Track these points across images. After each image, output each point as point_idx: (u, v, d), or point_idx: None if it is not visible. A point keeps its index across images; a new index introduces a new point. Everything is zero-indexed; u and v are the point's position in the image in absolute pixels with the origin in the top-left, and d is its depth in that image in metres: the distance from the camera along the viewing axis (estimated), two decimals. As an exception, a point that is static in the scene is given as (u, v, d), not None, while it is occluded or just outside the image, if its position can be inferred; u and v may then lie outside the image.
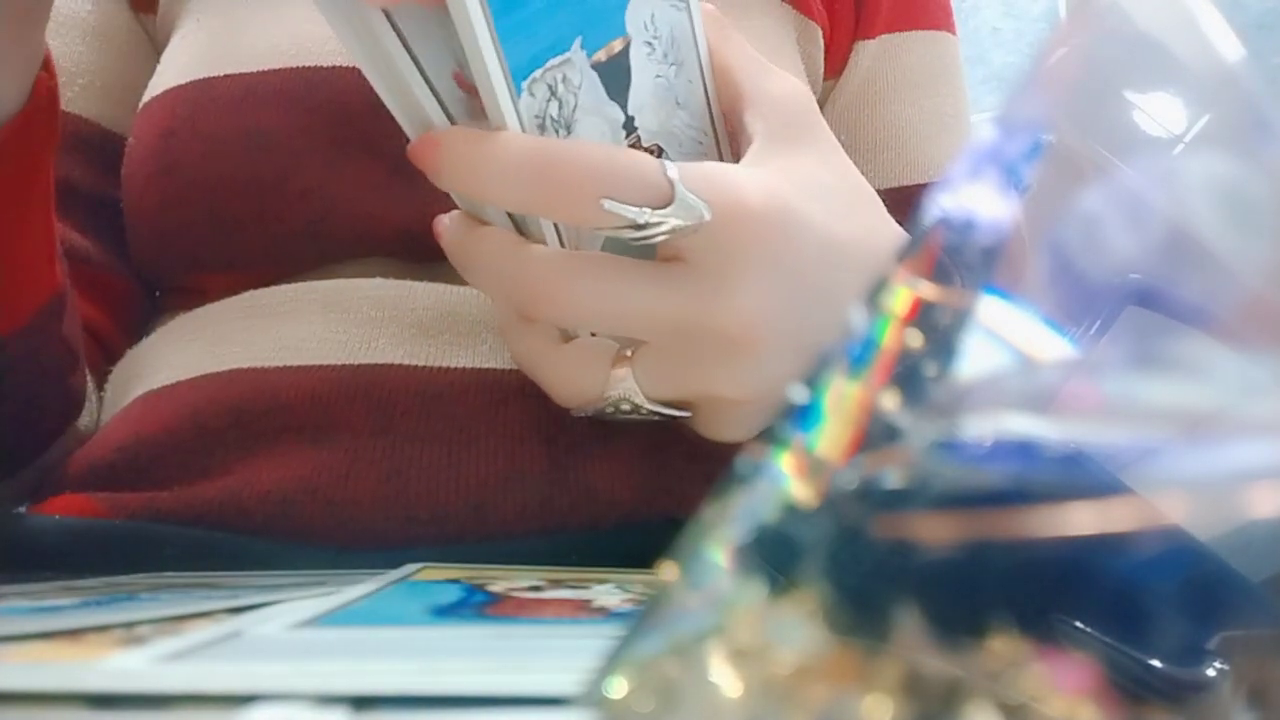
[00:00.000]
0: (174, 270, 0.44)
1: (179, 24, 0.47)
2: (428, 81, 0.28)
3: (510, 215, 0.31)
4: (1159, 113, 0.16)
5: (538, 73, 0.28)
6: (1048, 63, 0.16)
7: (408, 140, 0.30)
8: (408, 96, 0.29)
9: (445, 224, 0.33)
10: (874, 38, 0.55)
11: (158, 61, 0.47)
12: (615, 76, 0.30)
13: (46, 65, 0.38)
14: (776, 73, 0.34)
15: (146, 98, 0.45)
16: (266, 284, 0.41)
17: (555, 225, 0.30)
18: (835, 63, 0.55)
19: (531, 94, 0.28)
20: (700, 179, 0.29)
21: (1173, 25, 0.16)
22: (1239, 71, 0.15)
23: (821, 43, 0.53)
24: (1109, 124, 0.16)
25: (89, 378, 0.46)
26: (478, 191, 0.29)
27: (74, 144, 0.48)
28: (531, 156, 0.28)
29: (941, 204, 0.15)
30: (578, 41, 0.29)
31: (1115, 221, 0.15)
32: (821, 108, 0.55)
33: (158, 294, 0.48)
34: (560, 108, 0.29)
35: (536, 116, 0.28)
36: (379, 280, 0.40)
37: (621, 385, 0.32)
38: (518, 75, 0.27)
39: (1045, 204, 0.16)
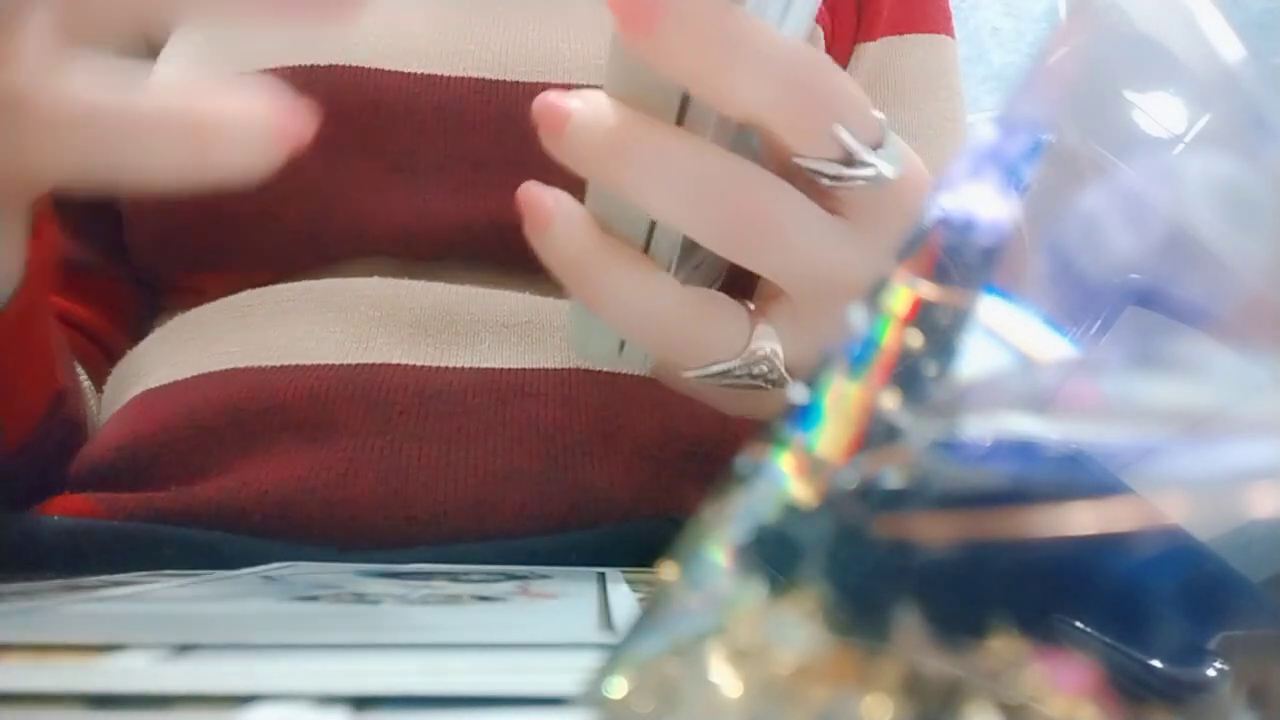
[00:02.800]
0: (173, 270, 0.45)
1: (176, 25, 0.47)
2: None
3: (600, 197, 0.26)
4: (1159, 113, 0.16)
5: None
6: (1048, 63, 0.16)
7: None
8: None
9: (576, 111, 0.25)
10: (875, 40, 0.56)
11: (154, 64, 0.47)
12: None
13: (38, 229, 0.36)
14: None
15: None
16: (265, 283, 0.41)
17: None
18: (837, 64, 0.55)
19: None
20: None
21: (1173, 25, 0.16)
22: (1239, 71, 0.15)
23: (822, 44, 0.53)
24: (1109, 124, 0.16)
25: (93, 392, 0.46)
26: (708, 76, 0.24)
27: None
28: (798, 54, 0.24)
29: (941, 204, 0.15)
30: None
31: (1115, 221, 0.15)
32: None
33: (158, 295, 0.48)
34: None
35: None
36: (377, 279, 0.40)
37: (767, 342, 0.28)
38: None
39: (1045, 204, 0.16)
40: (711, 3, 0.23)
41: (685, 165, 0.25)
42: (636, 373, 0.31)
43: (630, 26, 0.23)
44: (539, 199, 0.27)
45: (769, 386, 0.29)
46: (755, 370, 0.28)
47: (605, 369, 0.32)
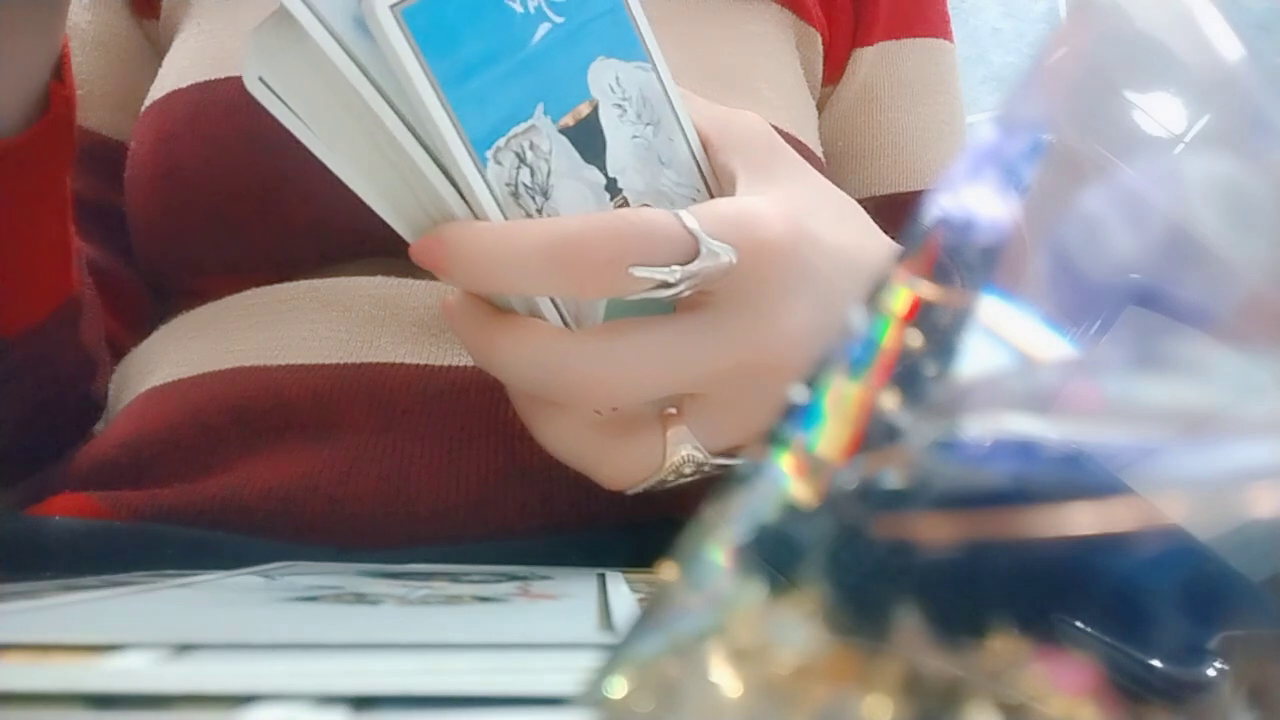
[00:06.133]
0: (177, 273, 0.45)
1: (181, 28, 0.48)
2: (435, 159, 0.28)
3: None
4: (1159, 113, 0.16)
5: (501, 141, 0.28)
6: (1048, 63, 0.16)
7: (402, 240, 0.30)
8: (412, 187, 0.28)
9: (457, 312, 0.30)
10: (872, 45, 0.56)
11: (159, 66, 0.47)
12: (588, 140, 0.30)
13: (63, 75, 0.38)
14: (732, 111, 0.34)
15: (148, 102, 0.45)
16: (269, 285, 0.41)
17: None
18: (834, 69, 0.55)
19: (499, 162, 0.28)
20: (717, 221, 0.28)
21: (1173, 25, 0.16)
22: (1239, 71, 0.15)
23: (820, 48, 0.53)
24: (1109, 124, 0.16)
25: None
26: (498, 286, 0.28)
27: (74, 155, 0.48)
28: (551, 241, 0.27)
29: (941, 204, 0.15)
30: (539, 108, 0.29)
31: (1115, 221, 0.15)
32: (820, 113, 0.55)
33: (165, 298, 0.48)
34: (533, 175, 0.28)
35: (508, 184, 0.28)
36: (380, 279, 0.40)
37: (683, 446, 0.30)
38: (479, 145, 0.27)
39: (1045, 204, 0.16)
40: (474, 234, 0.27)
41: (521, 356, 0.29)
42: None
43: (430, 268, 0.28)
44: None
45: (707, 475, 0.31)
46: (683, 471, 0.30)
47: None
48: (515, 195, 0.28)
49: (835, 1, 0.55)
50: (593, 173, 0.30)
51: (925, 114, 0.56)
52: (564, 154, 0.29)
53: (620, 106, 0.31)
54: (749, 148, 0.32)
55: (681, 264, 0.27)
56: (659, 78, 0.32)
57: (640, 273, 0.27)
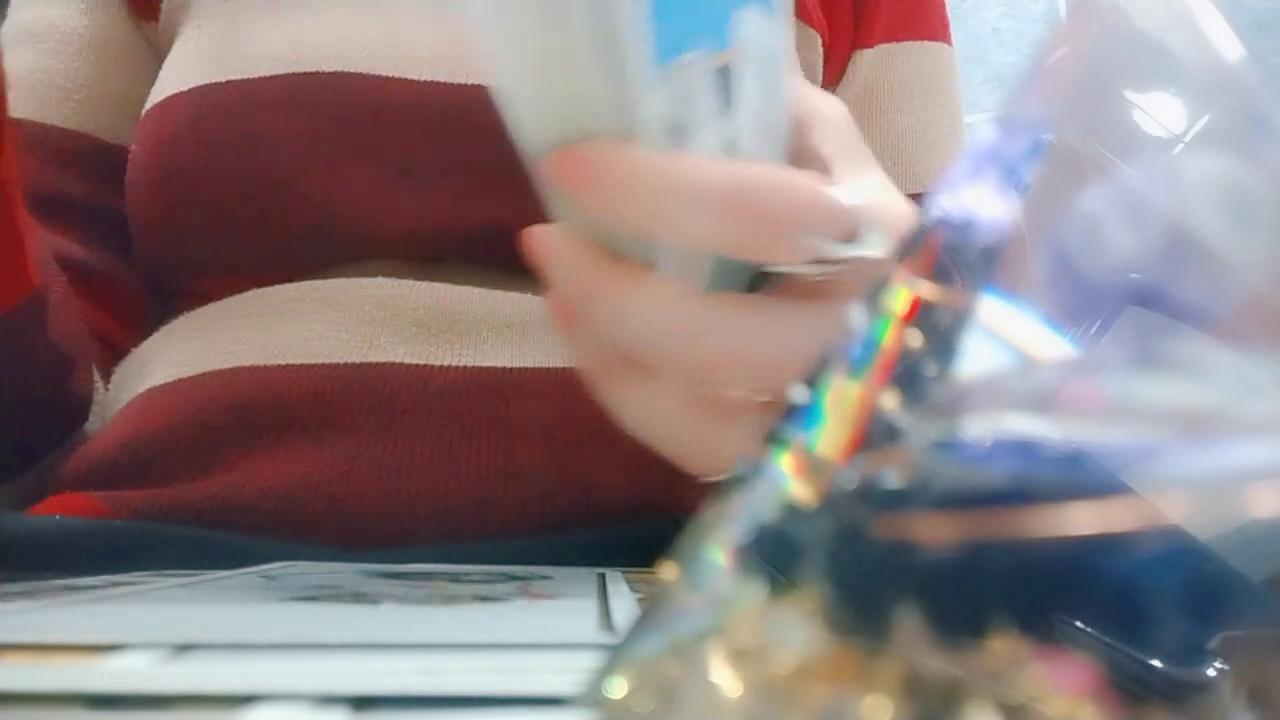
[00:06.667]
0: (179, 275, 0.45)
1: (181, 31, 0.48)
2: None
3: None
4: (1159, 113, 0.16)
5: (668, 66, 0.24)
6: (1048, 63, 0.16)
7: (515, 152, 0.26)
8: (566, 88, 0.25)
9: (564, 250, 0.26)
10: (872, 47, 0.56)
11: (159, 69, 0.47)
12: (724, 89, 0.27)
13: None
14: (818, 91, 0.32)
15: (149, 105, 0.46)
16: (270, 285, 0.41)
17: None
18: (834, 71, 0.55)
19: (662, 88, 0.25)
20: (870, 208, 0.26)
21: (1173, 25, 0.16)
22: (1239, 71, 0.15)
23: (820, 50, 0.53)
24: (1109, 124, 0.16)
25: (99, 381, 0.46)
26: (649, 223, 0.24)
27: (70, 158, 0.48)
28: (731, 183, 0.24)
29: (941, 204, 0.15)
30: (701, 43, 0.25)
31: (1116, 221, 0.15)
32: None
33: (165, 299, 0.48)
34: (681, 111, 0.25)
35: (660, 115, 0.25)
36: (380, 280, 0.40)
37: None
38: (657, 63, 0.24)
39: (1045, 204, 0.16)
40: (639, 157, 0.24)
41: (650, 312, 0.25)
42: None
43: (568, 184, 0.24)
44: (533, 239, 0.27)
45: None
46: None
47: None
48: (663, 128, 0.25)
49: (835, 3, 0.55)
50: (722, 126, 0.27)
51: (925, 117, 0.56)
52: (709, 98, 0.26)
53: (754, 60, 0.27)
54: (841, 133, 0.30)
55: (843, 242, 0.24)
56: (783, 37, 0.29)
57: (804, 243, 0.24)
